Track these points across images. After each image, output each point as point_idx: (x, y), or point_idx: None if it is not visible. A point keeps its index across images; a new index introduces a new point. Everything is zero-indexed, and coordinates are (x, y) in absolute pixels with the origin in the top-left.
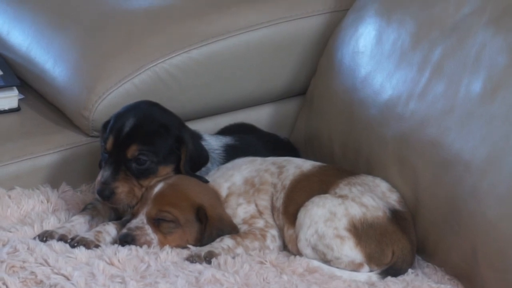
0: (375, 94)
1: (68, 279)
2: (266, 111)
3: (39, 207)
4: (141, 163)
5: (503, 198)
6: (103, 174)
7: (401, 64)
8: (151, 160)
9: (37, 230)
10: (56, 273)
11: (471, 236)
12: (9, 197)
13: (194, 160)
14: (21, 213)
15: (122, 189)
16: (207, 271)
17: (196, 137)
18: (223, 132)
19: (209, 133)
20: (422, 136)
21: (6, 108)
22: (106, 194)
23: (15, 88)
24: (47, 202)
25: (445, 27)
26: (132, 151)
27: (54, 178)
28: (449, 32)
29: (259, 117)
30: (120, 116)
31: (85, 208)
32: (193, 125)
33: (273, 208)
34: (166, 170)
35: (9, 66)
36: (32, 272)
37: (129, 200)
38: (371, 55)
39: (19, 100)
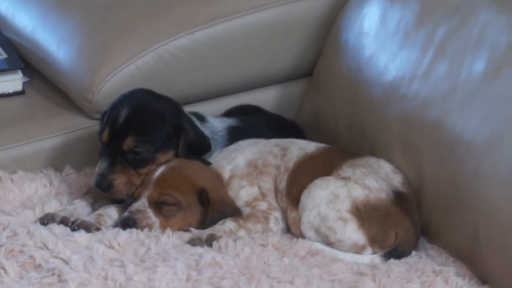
0: (379, 75)
1: (67, 263)
2: (272, 92)
3: (41, 191)
4: (137, 154)
5: (505, 180)
6: (100, 166)
7: (404, 45)
8: (148, 150)
9: (39, 213)
10: (55, 257)
11: (473, 217)
12: (12, 180)
13: (194, 147)
14: (23, 197)
15: (120, 181)
16: (207, 254)
17: (196, 123)
18: (228, 114)
19: (214, 115)
20: (425, 117)
21: (11, 91)
22: (104, 186)
23: (19, 71)
24: (50, 185)
25: (448, 7)
26: (128, 143)
27: (58, 161)
28: (452, 12)
29: (265, 98)
30: (115, 107)
31: (88, 192)
32: (197, 108)
33: (276, 190)
34: (165, 157)
35: (14, 49)
36: (31, 256)
37: (128, 190)
38: (375, 35)
39: (24, 83)
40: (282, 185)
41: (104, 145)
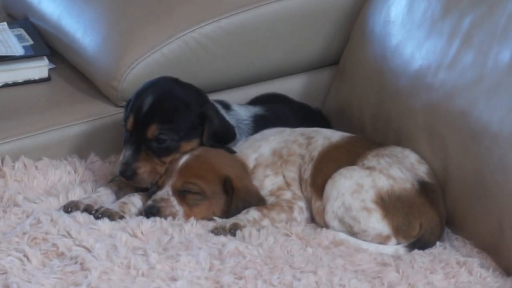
0: (405, 64)
1: (90, 251)
2: (298, 81)
3: (66, 178)
4: (161, 142)
5: None
6: (125, 154)
7: (431, 34)
8: (172, 138)
9: (62, 201)
10: (78, 245)
11: (498, 209)
12: (36, 168)
13: (219, 135)
14: (48, 184)
15: (144, 169)
16: (230, 244)
17: (221, 111)
18: (254, 102)
19: (239, 103)
20: (451, 106)
21: (36, 77)
22: (128, 174)
23: (45, 57)
24: (75, 173)
25: None
26: (152, 130)
27: (82, 149)
28: (479, 1)
29: (291, 87)
30: (140, 94)
31: (112, 180)
32: (223, 96)
33: (301, 179)
34: (189, 145)
35: (40, 35)
36: (54, 244)
37: (152, 179)
38: (402, 24)
39: (50, 69)
40: (307, 174)
41: (129, 133)
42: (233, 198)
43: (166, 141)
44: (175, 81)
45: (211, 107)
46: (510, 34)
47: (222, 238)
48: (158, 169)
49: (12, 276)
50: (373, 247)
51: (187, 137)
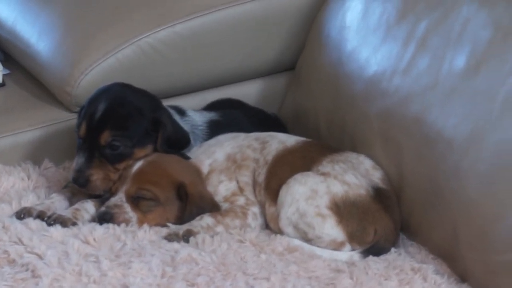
0: (361, 69)
1: (41, 258)
2: (255, 86)
3: (19, 184)
4: (115, 149)
5: (484, 177)
6: (77, 161)
7: (386, 39)
8: (125, 144)
9: (15, 207)
10: (29, 252)
11: (452, 215)
12: None
13: (173, 142)
14: (0, 191)
15: (97, 176)
16: (183, 250)
17: (175, 117)
18: (209, 107)
19: (195, 108)
20: (406, 112)
21: None
22: (81, 182)
23: None
24: (28, 179)
25: (431, 1)
26: (105, 137)
27: (36, 155)
28: (434, 6)
29: (248, 92)
30: (92, 101)
31: (66, 186)
32: (179, 101)
33: (255, 183)
34: (143, 152)
35: None
36: (5, 251)
37: (105, 186)
38: (357, 29)
39: (4, 75)
40: (261, 178)
41: (81, 139)
42: (187, 204)
43: (119, 147)
44: (128, 87)
45: (164, 112)
46: (465, 39)
47: (175, 245)
48: (111, 176)
49: None
50: (327, 253)
51: (141, 143)
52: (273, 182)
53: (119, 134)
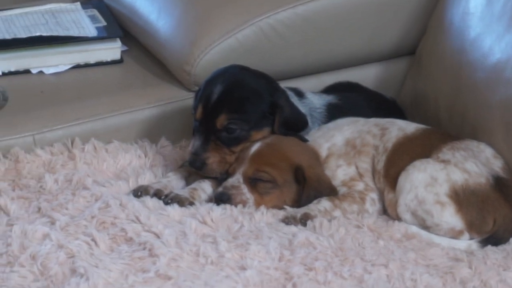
0: (484, 57)
1: (158, 237)
2: (374, 70)
3: (136, 162)
4: (231, 132)
5: None
6: (194, 144)
7: (511, 27)
8: (242, 128)
9: (132, 185)
10: (147, 231)
11: None
12: (106, 150)
13: (291, 124)
14: (117, 168)
15: (213, 159)
16: (301, 234)
17: (293, 100)
18: (328, 90)
19: (314, 91)
20: None
21: (109, 59)
22: (197, 165)
23: (118, 39)
24: (145, 157)
25: None
26: (221, 120)
27: (153, 133)
28: None
29: (366, 76)
30: (209, 83)
31: (183, 165)
32: (297, 83)
33: (374, 171)
34: (260, 134)
35: (113, 16)
36: (123, 229)
37: (221, 169)
38: (481, 16)
39: (122, 51)
40: (380, 165)
41: (198, 122)
42: (305, 188)
43: (236, 131)
44: (245, 69)
45: (282, 95)
46: None
47: (293, 228)
48: (227, 159)
49: (80, 260)
50: (445, 241)
51: (258, 126)
52: (392, 170)
53: (236, 117)
